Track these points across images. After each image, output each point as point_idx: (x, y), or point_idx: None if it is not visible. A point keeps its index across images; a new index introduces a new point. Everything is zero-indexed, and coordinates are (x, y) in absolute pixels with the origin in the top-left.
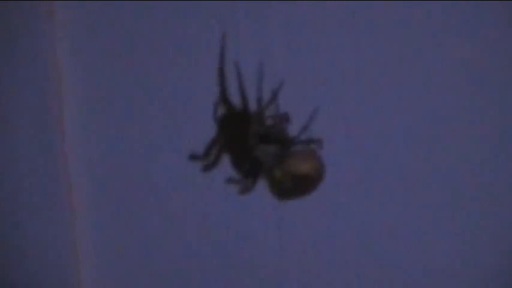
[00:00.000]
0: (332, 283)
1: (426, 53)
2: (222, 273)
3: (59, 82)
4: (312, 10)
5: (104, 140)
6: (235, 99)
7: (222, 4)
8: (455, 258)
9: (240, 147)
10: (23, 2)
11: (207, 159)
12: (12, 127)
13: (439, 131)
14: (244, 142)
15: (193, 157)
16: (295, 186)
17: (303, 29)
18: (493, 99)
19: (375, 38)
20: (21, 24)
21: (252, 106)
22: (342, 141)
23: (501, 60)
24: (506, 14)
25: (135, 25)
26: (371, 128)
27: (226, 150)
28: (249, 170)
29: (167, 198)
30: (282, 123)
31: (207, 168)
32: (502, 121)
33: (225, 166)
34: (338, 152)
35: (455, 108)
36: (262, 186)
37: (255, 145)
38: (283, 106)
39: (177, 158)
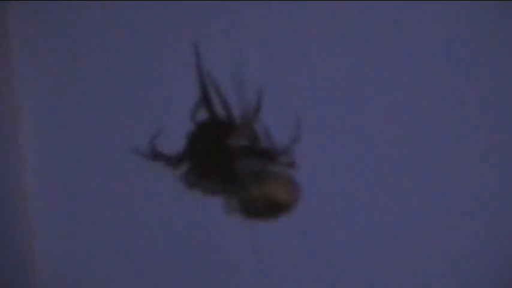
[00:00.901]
0: None
1: (419, 55)
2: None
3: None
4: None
5: (56, 136)
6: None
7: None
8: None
9: (217, 157)
10: None
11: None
12: None
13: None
14: (224, 152)
15: (156, 156)
16: (267, 210)
17: (281, 36)
18: (492, 99)
19: (362, 40)
20: None
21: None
22: (322, 154)
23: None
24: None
25: (92, 29)
26: (354, 138)
27: (200, 157)
28: (225, 181)
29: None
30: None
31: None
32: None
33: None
34: (321, 164)
35: (450, 111)
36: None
37: (238, 157)
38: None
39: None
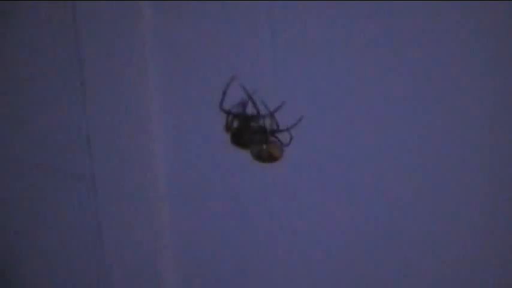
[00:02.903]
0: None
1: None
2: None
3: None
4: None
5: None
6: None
7: None
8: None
9: (241, 135)
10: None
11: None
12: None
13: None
14: (244, 134)
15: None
16: (268, 158)
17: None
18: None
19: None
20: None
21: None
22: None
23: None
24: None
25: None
26: (349, 136)
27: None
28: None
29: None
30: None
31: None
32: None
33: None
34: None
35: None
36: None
37: (251, 140)
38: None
39: None
